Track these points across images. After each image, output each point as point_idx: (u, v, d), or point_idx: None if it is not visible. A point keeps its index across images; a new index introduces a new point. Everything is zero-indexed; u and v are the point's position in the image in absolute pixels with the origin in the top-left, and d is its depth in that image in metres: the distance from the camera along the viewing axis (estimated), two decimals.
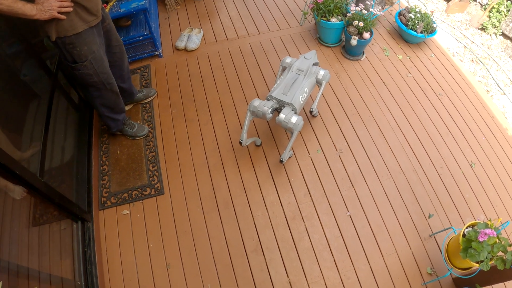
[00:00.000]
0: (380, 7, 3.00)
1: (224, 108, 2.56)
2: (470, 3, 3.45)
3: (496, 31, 3.26)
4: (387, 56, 2.92)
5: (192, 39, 2.90)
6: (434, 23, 2.93)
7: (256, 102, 2.04)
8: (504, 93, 3.01)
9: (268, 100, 2.07)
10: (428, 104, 2.63)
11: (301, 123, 2.00)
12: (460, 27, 3.41)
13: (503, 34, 3.24)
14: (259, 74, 2.75)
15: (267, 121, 2.45)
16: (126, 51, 2.77)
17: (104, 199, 2.36)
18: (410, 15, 2.90)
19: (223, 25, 3.15)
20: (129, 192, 2.35)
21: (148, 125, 2.55)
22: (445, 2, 3.60)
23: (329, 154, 2.34)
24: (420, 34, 2.86)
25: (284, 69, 2.29)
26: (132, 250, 2.10)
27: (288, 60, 2.25)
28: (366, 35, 2.66)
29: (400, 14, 3.00)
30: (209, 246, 2.05)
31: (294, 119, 1.97)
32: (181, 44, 2.91)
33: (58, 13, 1.62)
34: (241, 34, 3.08)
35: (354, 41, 2.64)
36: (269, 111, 2.00)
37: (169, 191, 2.29)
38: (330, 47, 2.95)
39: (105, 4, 2.63)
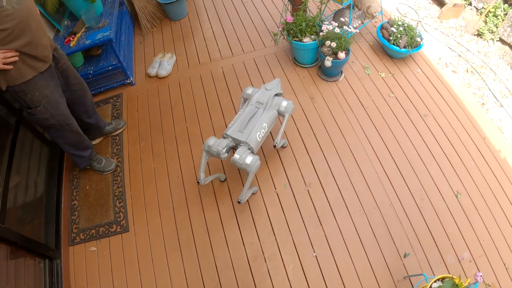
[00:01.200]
0: (359, 22, 2.81)
1: (191, 139, 2.48)
2: (465, 7, 3.17)
3: (493, 37, 2.97)
4: (368, 74, 2.72)
5: (164, 65, 2.83)
6: (420, 35, 2.70)
7: (211, 141, 1.94)
8: (502, 105, 2.74)
9: (224, 138, 1.97)
10: (411, 128, 2.43)
11: (257, 164, 1.88)
12: (455, 34, 3.13)
13: (501, 40, 2.95)
14: (229, 100, 2.65)
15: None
16: (97, 81, 2.77)
17: (74, 235, 2.35)
18: (392, 28, 2.68)
19: (196, 48, 3.07)
20: (97, 228, 2.32)
21: (116, 159, 2.52)
22: (438, 8, 3.32)
23: (297, 189, 2.21)
24: (403, 50, 2.64)
25: (245, 100, 2.17)
26: None
27: (250, 91, 2.13)
28: (342, 55, 2.48)
29: (382, 27, 2.79)
30: (170, 286, 1.99)
31: (249, 159, 1.86)
32: (152, 71, 2.85)
33: (4, 64, 1.60)
34: (214, 57, 2.98)
35: (328, 62, 2.48)
36: (224, 151, 1.89)
37: (134, 229, 2.25)
38: (306, 67, 2.79)
39: (73, 36, 2.61)
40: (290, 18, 2.50)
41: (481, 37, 3.04)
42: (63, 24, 2.74)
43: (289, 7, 2.76)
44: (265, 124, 1.97)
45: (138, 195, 2.35)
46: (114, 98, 2.83)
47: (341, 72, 2.71)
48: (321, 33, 2.52)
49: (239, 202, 1.98)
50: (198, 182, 2.01)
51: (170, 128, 2.57)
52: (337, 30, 2.46)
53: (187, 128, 2.54)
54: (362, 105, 2.54)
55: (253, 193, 2.19)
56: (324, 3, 2.66)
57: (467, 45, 3.04)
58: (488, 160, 2.31)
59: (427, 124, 2.46)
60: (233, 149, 2.00)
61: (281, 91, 2.13)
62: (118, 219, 2.32)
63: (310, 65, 2.78)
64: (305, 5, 2.56)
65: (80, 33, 2.61)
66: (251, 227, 2.11)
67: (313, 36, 2.56)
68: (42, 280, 2.09)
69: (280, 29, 2.63)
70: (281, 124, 2.12)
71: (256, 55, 2.94)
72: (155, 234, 2.18)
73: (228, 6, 3.39)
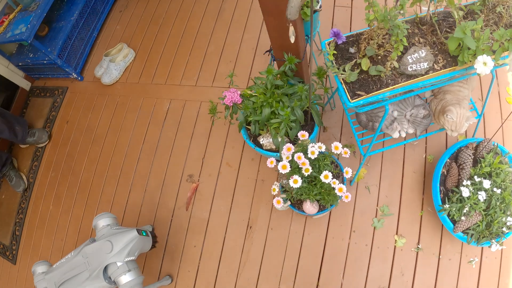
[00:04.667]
0: (412, 130, 1.42)
1: (88, 204, 2.04)
2: None
3: None
4: (375, 228, 1.53)
5: (110, 70, 2.18)
6: None
7: (39, 268, 1.53)
8: None
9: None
10: None
11: None
12: None
13: None
14: (145, 172, 1.96)
15: None
16: (40, 69, 2.45)
17: None
18: (465, 185, 1.28)
19: (165, 47, 2.20)
20: None
21: (31, 178, 2.33)
22: None
23: None
24: (459, 235, 1.32)
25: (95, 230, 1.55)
26: None
27: (101, 223, 1.48)
28: (309, 207, 1.41)
29: (451, 161, 1.38)
30: None
31: None
32: (98, 72, 2.25)
33: None
34: (173, 76, 2.13)
35: (278, 205, 1.42)
36: None
37: (19, 265, 2.22)
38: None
39: (6, 16, 2.17)
40: (233, 96, 1.39)
41: None
42: None
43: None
44: None
45: (31, 233, 2.21)
46: (59, 91, 2.43)
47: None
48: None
49: None
50: None
51: (79, 170, 2.14)
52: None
53: (92, 181, 2.07)
54: None
55: None
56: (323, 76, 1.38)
57: None
58: None
59: None
60: None
61: (132, 257, 1.40)
62: (12, 247, 2.30)
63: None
64: (289, 65, 1.37)
65: (13, 15, 2.13)
66: None
67: (279, 139, 1.44)
68: None
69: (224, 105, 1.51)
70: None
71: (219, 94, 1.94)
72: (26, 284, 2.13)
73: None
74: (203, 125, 1.95)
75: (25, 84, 2.57)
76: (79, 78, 2.38)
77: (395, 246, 1.52)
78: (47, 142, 2.33)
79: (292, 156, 1.32)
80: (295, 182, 1.29)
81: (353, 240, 1.58)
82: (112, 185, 2.02)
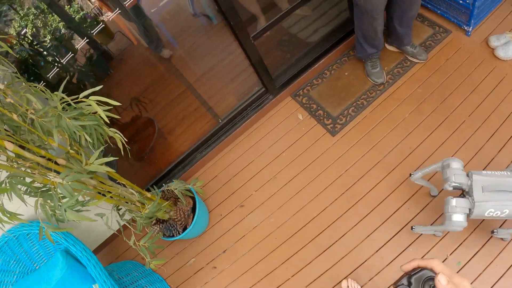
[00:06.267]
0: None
1: (455, 135, 2.46)
2: None
3: None
4: None
5: (509, 47, 2.63)
6: None
7: (455, 164, 1.85)
8: None
9: (467, 176, 1.84)
10: None
11: (458, 228, 1.81)
12: None
13: None
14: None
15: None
16: (438, 1, 2.77)
17: (301, 93, 2.86)
18: None
19: None
20: (316, 107, 2.77)
21: (389, 78, 2.72)
22: None
23: None
24: None
25: None
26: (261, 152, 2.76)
27: None
28: None
29: None
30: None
31: (455, 217, 1.77)
32: (494, 42, 2.65)
33: None
34: None
35: None
36: (452, 184, 1.81)
37: (337, 140, 2.63)
38: None
39: None
40: None
41: None
42: None
43: None
44: (507, 210, 1.77)
45: (368, 120, 2.62)
46: (440, 29, 2.80)
47: None
48: None
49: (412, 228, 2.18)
50: (410, 175, 2.08)
51: (452, 104, 2.52)
52: None
53: (464, 121, 2.48)
54: None
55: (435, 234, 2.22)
56: None
57: None
58: None
59: None
60: (461, 190, 1.90)
61: None
62: (338, 120, 2.68)
63: None
64: None
65: None
66: None
67: None
68: (249, 96, 2.84)
69: None
70: None
71: None
72: (341, 164, 2.54)
73: None
74: None
75: None
76: (468, 33, 2.76)
77: None
78: (422, 62, 2.72)
79: None
80: None
81: None
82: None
